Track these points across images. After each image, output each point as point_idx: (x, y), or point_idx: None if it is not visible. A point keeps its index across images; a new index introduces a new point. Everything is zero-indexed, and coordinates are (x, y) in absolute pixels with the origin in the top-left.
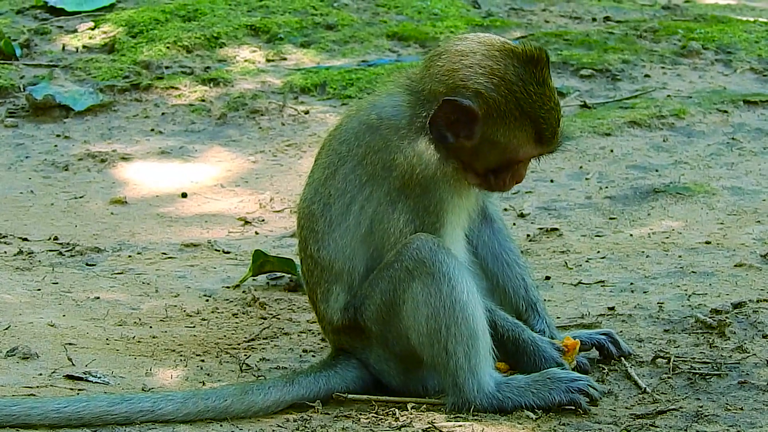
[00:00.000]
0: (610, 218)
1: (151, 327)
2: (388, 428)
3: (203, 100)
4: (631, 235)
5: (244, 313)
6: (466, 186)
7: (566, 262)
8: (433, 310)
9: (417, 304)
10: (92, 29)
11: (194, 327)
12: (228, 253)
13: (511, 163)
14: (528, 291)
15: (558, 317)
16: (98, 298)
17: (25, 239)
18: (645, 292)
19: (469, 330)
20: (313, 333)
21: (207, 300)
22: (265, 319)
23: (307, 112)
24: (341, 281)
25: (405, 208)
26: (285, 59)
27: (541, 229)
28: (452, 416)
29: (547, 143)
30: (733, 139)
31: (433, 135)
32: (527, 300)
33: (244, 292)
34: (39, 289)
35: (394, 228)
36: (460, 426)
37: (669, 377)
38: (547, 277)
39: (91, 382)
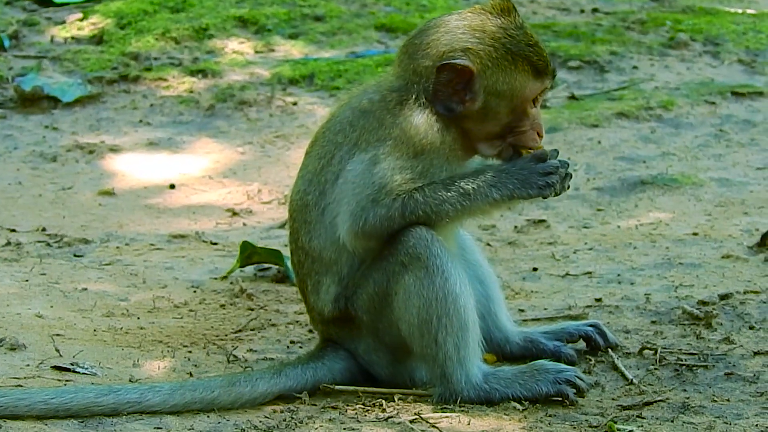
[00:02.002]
0: (598, 209)
1: (138, 318)
2: (374, 419)
3: (192, 92)
4: (618, 226)
5: (231, 305)
6: (459, 163)
7: (554, 254)
8: (425, 302)
9: (409, 295)
10: (81, 20)
11: (182, 318)
12: (216, 244)
13: (522, 108)
14: None
15: (545, 308)
16: (86, 289)
17: (13, 230)
18: (632, 284)
19: (460, 322)
20: (300, 324)
21: (194, 291)
22: (252, 310)
23: (295, 104)
24: (331, 272)
25: (388, 165)
26: (273, 51)
27: (528, 220)
28: (439, 407)
29: (545, 73)
30: (720, 130)
31: (440, 109)
32: None
33: (231, 283)
34: (27, 280)
35: (365, 180)
36: (447, 417)
37: (656, 368)
38: (535, 269)
39: (79, 373)
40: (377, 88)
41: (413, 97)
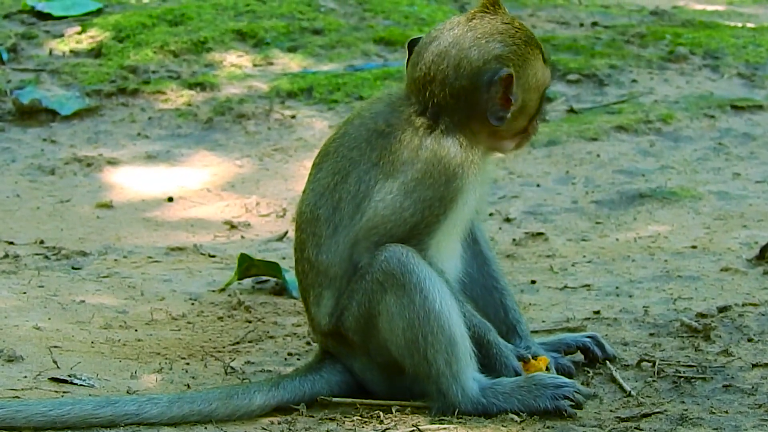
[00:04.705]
0: (597, 222)
1: (136, 330)
2: (372, 431)
3: (190, 105)
4: (617, 239)
5: (229, 317)
6: (485, 179)
7: (552, 266)
8: (409, 322)
9: (392, 316)
10: (79, 34)
11: (179, 330)
12: (214, 256)
13: (544, 99)
14: (507, 314)
15: (543, 321)
16: (84, 301)
17: (12, 243)
18: (630, 296)
19: (447, 338)
20: (298, 336)
21: (192, 303)
22: (250, 322)
23: (293, 117)
24: (333, 287)
25: (418, 198)
26: (272, 64)
27: (527, 233)
28: (436, 419)
29: (549, 60)
30: (719, 144)
31: (494, 121)
32: (507, 323)
33: (229, 295)
34: (25, 293)
35: (396, 217)
36: (445, 429)
37: (654, 380)
38: (533, 281)
39: (77, 384)
40: (393, 108)
41: (446, 119)
